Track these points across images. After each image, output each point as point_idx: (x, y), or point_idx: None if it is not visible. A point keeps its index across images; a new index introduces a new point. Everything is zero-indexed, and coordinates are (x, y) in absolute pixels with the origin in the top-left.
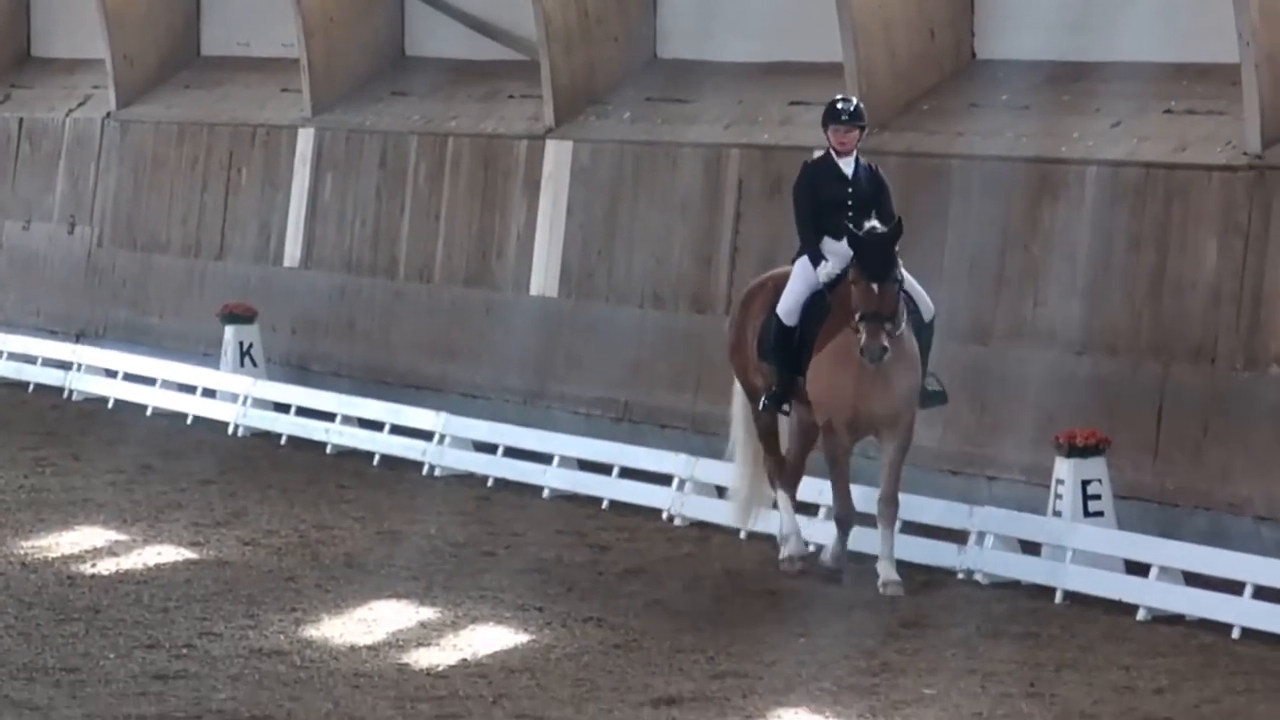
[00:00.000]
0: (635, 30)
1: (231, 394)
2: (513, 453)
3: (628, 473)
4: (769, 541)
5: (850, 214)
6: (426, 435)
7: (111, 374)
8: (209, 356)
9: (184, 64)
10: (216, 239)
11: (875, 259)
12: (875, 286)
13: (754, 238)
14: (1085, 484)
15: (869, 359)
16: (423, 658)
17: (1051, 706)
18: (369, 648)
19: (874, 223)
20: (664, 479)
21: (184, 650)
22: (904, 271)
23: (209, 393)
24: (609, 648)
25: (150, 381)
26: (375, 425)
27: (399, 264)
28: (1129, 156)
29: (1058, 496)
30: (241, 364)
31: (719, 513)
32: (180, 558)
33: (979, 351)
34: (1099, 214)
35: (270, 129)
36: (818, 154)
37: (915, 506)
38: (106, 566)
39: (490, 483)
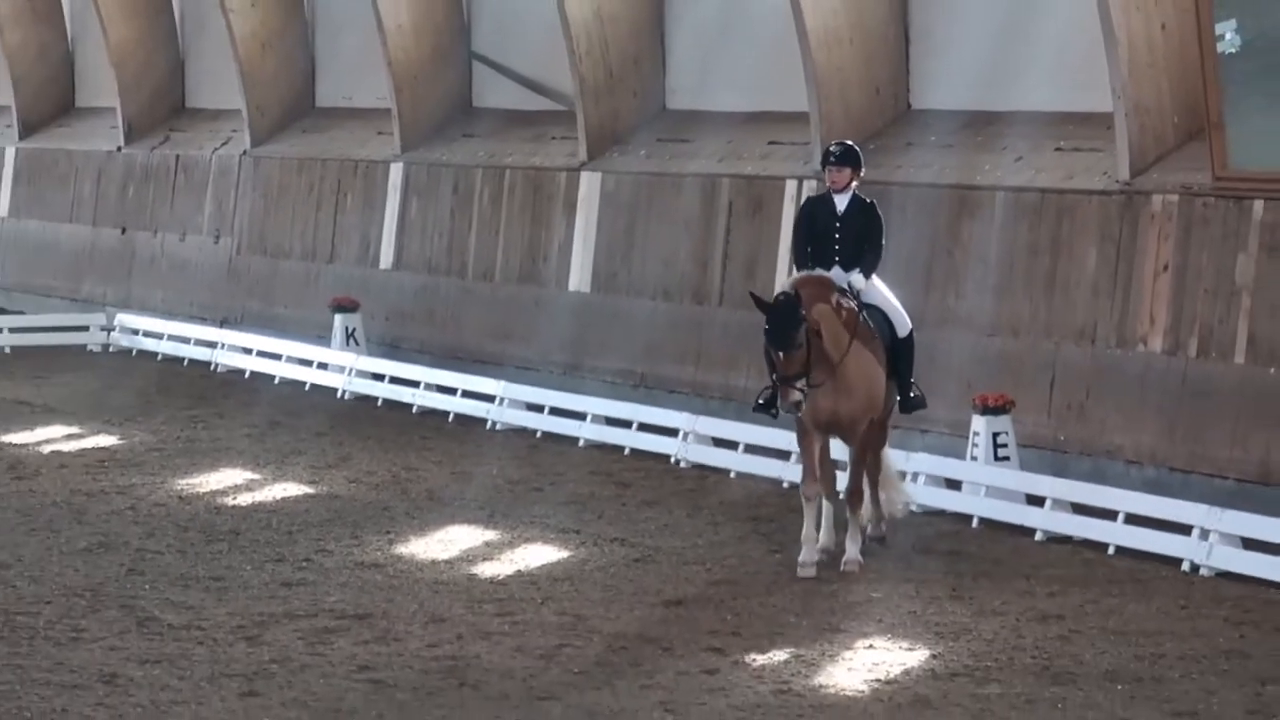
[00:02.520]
0: (649, 86)
1: (339, 367)
2: (556, 411)
3: (644, 427)
4: (755, 480)
5: (838, 244)
6: (489, 398)
7: (247, 351)
8: (322, 338)
9: (302, 113)
10: (328, 247)
11: (777, 329)
12: (780, 355)
13: (740, 247)
14: (995, 435)
15: (784, 411)
16: (487, 569)
17: (970, 605)
18: (446, 561)
19: (786, 289)
20: (672, 432)
21: (304, 563)
22: (883, 289)
23: (322, 366)
24: (630, 561)
25: (277, 357)
26: (450, 390)
27: (468, 267)
28: (1028, 184)
29: (974, 445)
30: (347, 344)
31: (715, 458)
32: (300, 492)
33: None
34: (1005, 229)
35: (369, 163)
36: (819, 190)
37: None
38: (244, 499)
39: (539, 435)
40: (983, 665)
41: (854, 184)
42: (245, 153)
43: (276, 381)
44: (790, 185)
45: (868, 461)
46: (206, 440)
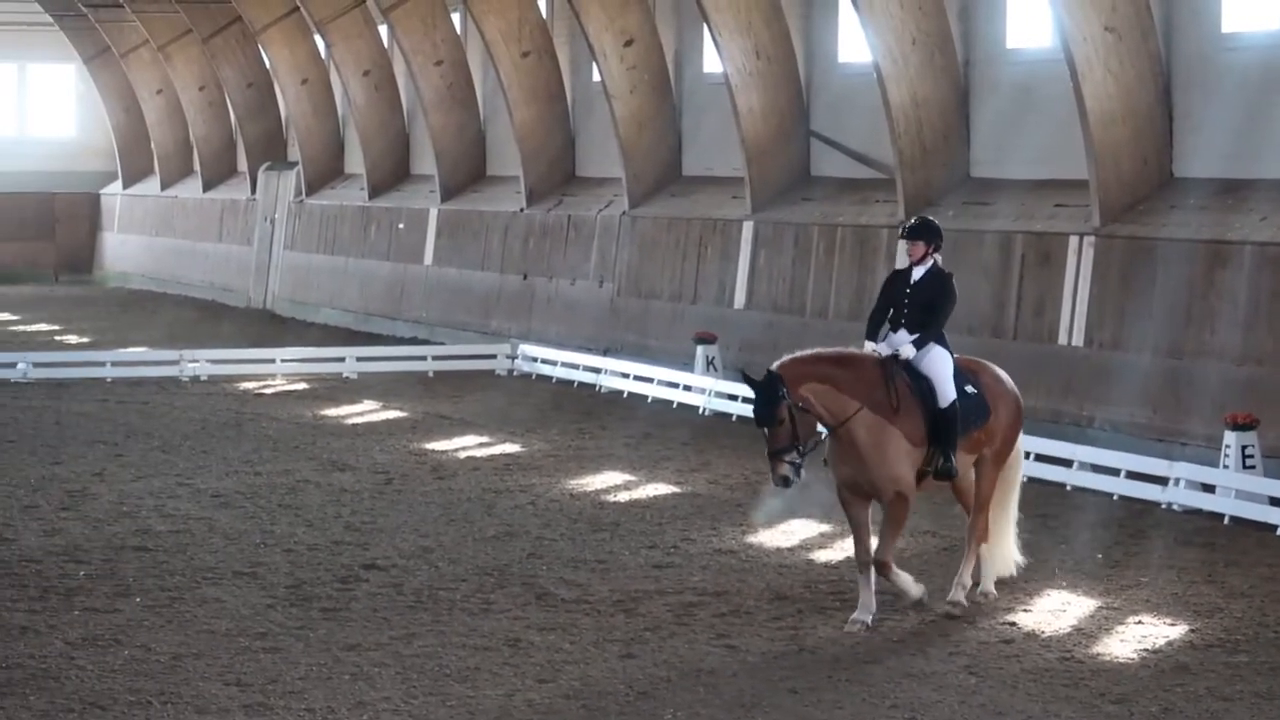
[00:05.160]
0: (956, 158)
1: (700, 389)
2: None
3: None
4: (1044, 485)
5: (905, 312)
6: None
7: (625, 376)
8: (686, 365)
9: (671, 180)
10: (691, 290)
11: (759, 407)
12: (765, 430)
13: (1031, 292)
14: (1244, 448)
15: (776, 486)
16: (822, 555)
17: (1221, 588)
18: (788, 549)
19: (771, 368)
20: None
21: (672, 550)
22: (938, 360)
23: (686, 388)
24: (939, 550)
25: (649, 380)
26: None
27: (806, 306)
28: (1272, 239)
29: (1226, 456)
30: (707, 369)
31: None
32: (669, 491)
33: (1175, 365)
34: (1252, 276)
35: (725, 221)
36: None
37: (1132, 461)
38: (622, 496)
39: None
40: (1233, 638)
41: (931, 256)
42: (624, 213)
43: (649, 401)
44: (1073, 240)
45: (978, 521)
46: (592, 448)
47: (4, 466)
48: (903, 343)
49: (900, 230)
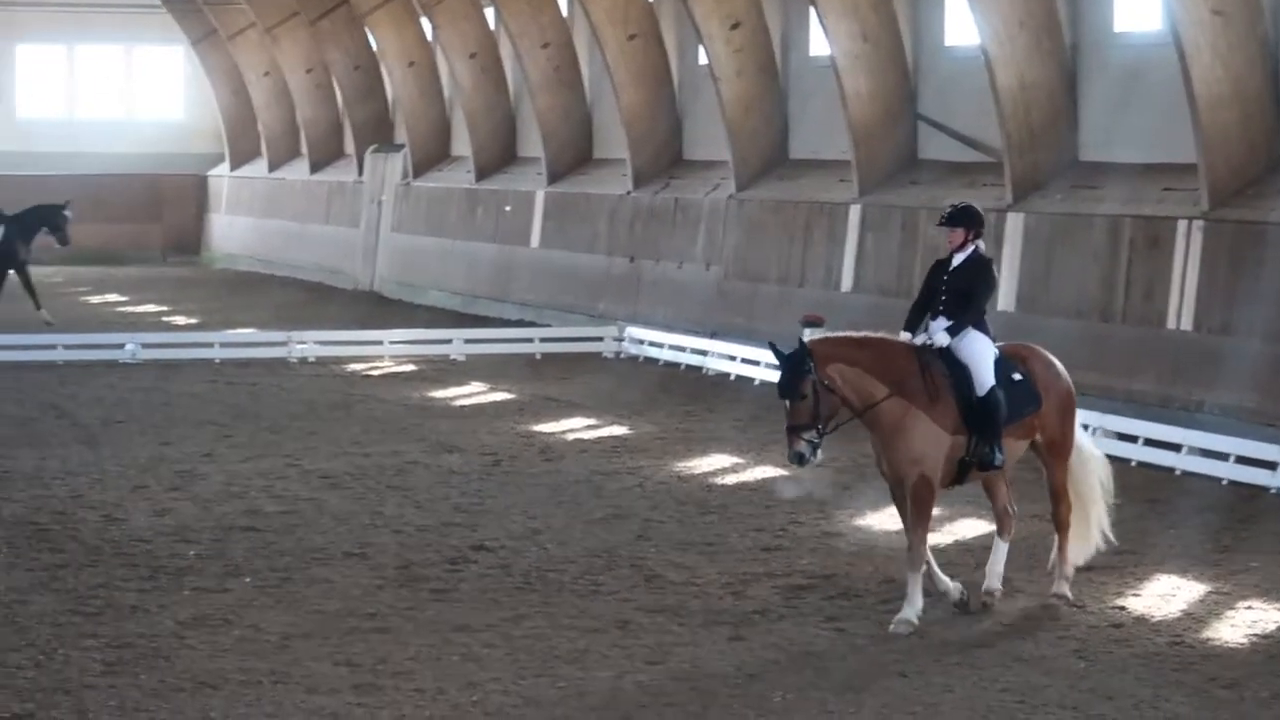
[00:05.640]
0: (1063, 142)
1: None
2: None
3: None
4: (1154, 470)
5: (943, 301)
6: None
7: (731, 359)
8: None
9: (778, 164)
10: (799, 273)
11: (783, 379)
12: (787, 403)
13: (1139, 274)
14: None
15: (790, 462)
16: (930, 539)
17: None
18: (896, 532)
19: (803, 334)
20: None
21: (780, 532)
22: (976, 346)
23: None
24: (1047, 534)
25: (756, 363)
26: None
27: (912, 289)
28: None
29: None
30: None
31: (1117, 449)
32: (777, 474)
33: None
34: None
35: (832, 205)
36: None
37: (1242, 445)
38: (730, 479)
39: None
40: None
41: (971, 243)
42: (731, 196)
43: (756, 383)
44: (1181, 224)
45: (1058, 511)
46: (699, 431)
47: (114, 447)
48: (937, 330)
49: (939, 218)
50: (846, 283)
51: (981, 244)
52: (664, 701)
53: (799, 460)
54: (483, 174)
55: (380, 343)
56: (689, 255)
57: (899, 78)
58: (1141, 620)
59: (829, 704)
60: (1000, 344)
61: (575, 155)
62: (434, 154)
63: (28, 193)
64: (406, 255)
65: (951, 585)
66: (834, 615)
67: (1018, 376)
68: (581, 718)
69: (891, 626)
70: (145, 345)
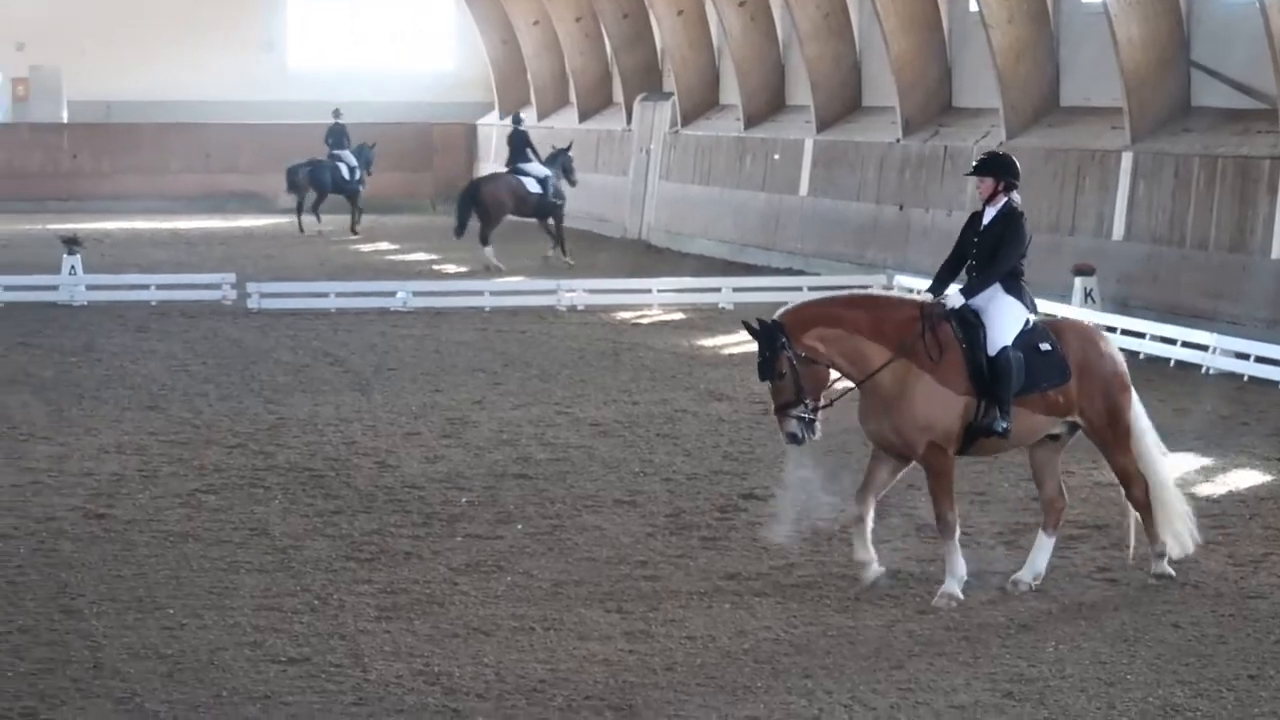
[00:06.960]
0: None
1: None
2: (1261, 360)
3: None
4: None
5: (974, 256)
6: (1204, 348)
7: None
8: (1063, 297)
9: (1048, 110)
10: (1069, 221)
11: (758, 360)
12: (769, 384)
13: None
14: None
15: (785, 442)
16: (1204, 489)
17: None
18: None
19: (775, 316)
20: None
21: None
22: (1000, 305)
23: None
24: None
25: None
26: (1170, 341)
27: (1186, 238)
28: None
29: None
30: (1084, 301)
31: None
32: None
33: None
34: None
35: (1104, 153)
36: None
37: None
38: None
39: (1245, 379)
40: None
41: (1004, 194)
42: (1001, 143)
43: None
44: None
45: (1132, 492)
46: None
47: (386, 394)
48: (953, 290)
49: (969, 167)
50: (1118, 231)
51: (1016, 195)
52: (935, 651)
53: (794, 440)
54: (751, 122)
55: (649, 291)
56: (959, 203)
57: (1172, 24)
58: None
59: (1101, 655)
60: (1057, 319)
61: (844, 103)
62: (702, 102)
63: (298, 141)
64: (674, 204)
65: (873, 562)
66: (1105, 565)
67: (1046, 347)
68: (852, 666)
69: (935, 600)
70: (416, 294)
